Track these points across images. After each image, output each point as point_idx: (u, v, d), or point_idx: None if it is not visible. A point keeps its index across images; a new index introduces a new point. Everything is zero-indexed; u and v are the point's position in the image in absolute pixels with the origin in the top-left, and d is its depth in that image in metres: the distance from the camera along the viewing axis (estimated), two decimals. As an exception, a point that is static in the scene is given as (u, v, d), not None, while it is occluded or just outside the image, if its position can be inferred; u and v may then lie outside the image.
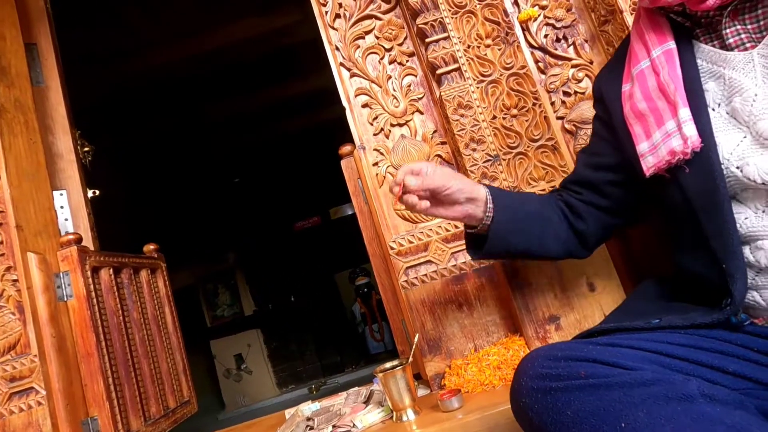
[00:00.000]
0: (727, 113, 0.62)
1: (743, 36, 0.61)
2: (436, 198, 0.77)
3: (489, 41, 1.09)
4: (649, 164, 0.66)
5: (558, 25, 1.12)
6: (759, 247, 0.59)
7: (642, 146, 0.67)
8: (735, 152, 0.60)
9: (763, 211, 0.59)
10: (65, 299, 1.22)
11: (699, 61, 0.64)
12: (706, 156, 0.60)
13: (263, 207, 4.97)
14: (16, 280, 1.13)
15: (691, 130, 0.61)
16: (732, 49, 0.62)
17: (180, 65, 3.04)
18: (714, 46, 0.64)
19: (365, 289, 5.05)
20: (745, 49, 0.61)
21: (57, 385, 1.11)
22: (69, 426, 1.10)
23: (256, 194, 4.95)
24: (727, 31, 0.62)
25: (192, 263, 4.72)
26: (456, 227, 1.10)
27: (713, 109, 0.63)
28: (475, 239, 0.83)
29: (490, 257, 0.85)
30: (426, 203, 0.76)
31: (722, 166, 0.60)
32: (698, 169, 0.61)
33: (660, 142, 0.64)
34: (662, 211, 0.72)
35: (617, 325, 0.64)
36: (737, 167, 0.59)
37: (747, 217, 0.60)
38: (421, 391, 1.07)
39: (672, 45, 0.65)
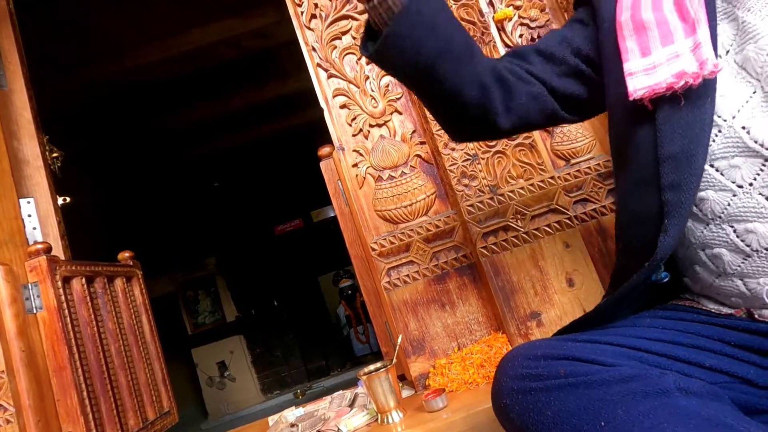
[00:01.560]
0: (737, 62, 0.54)
1: None
2: None
3: (465, 41, 1.09)
4: (639, 85, 0.55)
5: (533, 24, 1.14)
6: (750, 230, 0.52)
7: (633, 63, 0.56)
8: (743, 110, 0.52)
9: (751, 185, 0.52)
10: (35, 311, 1.17)
11: None
12: (702, 98, 0.53)
13: (244, 211, 4.90)
14: (-20, 293, 1.08)
15: (709, 52, 0.51)
16: None
17: (155, 68, 2.96)
18: None
19: (349, 291, 5.03)
20: None
21: (27, 402, 1.06)
22: (41, 443, 1.06)
23: (236, 198, 4.87)
24: None
25: (171, 270, 4.62)
26: (437, 227, 1.10)
27: (720, 57, 0.54)
28: (373, 33, 0.62)
29: (383, 61, 0.62)
30: None
31: (723, 121, 0.52)
32: (688, 110, 0.53)
33: (663, 62, 0.54)
34: (614, 137, 0.63)
35: (594, 321, 0.64)
36: (743, 127, 0.51)
37: (735, 195, 0.53)
38: (406, 392, 1.06)
39: None
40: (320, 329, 4.89)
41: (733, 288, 0.57)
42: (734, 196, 0.53)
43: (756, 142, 0.51)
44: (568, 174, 1.08)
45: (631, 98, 0.56)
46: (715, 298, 0.61)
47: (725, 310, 0.60)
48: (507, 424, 0.56)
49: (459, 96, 0.63)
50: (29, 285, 1.18)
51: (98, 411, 1.22)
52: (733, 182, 0.53)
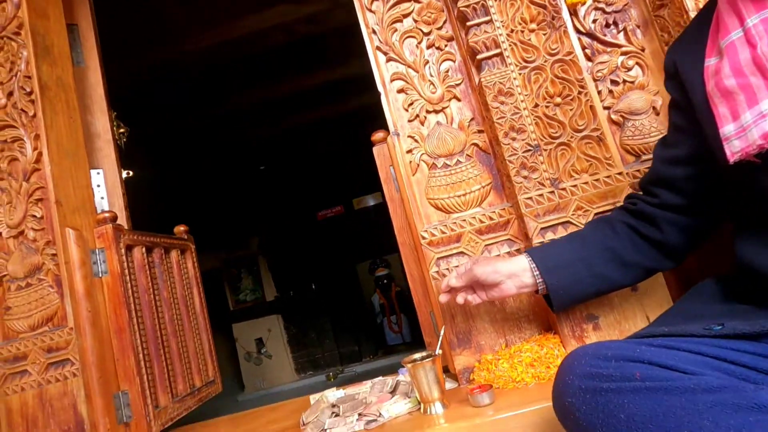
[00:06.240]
0: None
1: None
2: (481, 286, 0.87)
3: (534, 26, 1.04)
4: (734, 149, 0.58)
5: (608, 9, 1.06)
6: None
7: (727, 129, 0.59)
8: None
9: None
10: (100, 275, 1.24)
11: None
12: None
13: (288, 195, 5.02)
14: (54, 255, 1.16)
15: None
16: None
17: (210, 52, 3.06)
18: None
19: (385, 281, 5.05)
20: None
21: (91, 358, 1.14)
22: (102, 398, 1.13)
23: (281, 182, 4.99)
24: None
25: (217, 247, 4.82)
26: (491, 219, 1.06)
27: None
28: (547, 296, 0.85)
29: (567, 308, 0.89)
30: (476, 297, 0.89)
31: None
32: None
33: (751, 123, 0.56)
34: (740, 202, 0.66)
35: (671, 329, 0.59)
36: None
37: None
38: (449, 385, 1.05)
39: None
40: (355, 315, 4.95)
41: None
42: None
43: None
44: (638, 171, 1.01)
45: (730, 162, 0.59)
46: None
47: None
48: (570, 423, 0.54)
49: (623, 285, 0.84)
50: (96, 250, 1.26)
51: (152, 373, 1.30)
52: None
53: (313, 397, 1.13)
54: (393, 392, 1.03)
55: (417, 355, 0.95)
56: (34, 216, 1.18)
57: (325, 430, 0.94)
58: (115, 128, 1.67)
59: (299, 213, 5.05)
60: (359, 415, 0.95)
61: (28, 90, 1.21)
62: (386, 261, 4.97)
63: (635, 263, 0.80)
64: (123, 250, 1.29)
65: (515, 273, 0.83)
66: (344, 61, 3.55)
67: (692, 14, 0.91)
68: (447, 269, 1.06)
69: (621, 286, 0.85)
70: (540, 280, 0.82)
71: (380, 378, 1.14)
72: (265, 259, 5.00)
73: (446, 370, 1.11)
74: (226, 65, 3.30)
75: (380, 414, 0.93)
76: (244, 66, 3.36)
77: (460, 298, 0.89)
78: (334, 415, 0.99)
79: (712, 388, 0.45)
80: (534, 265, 0.82)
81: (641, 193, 0.83)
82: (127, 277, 1.28)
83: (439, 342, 0.96)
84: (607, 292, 0.86)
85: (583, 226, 0.97)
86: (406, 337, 4.90)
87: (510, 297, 0.89)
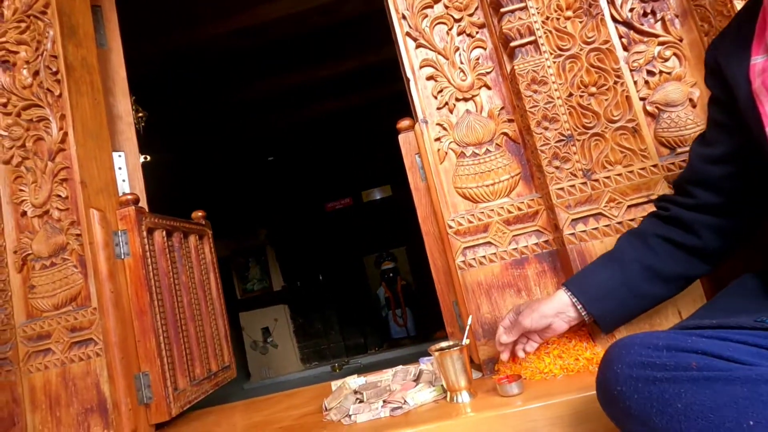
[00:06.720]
0: None
1: None
2: (533, 331, 0.88)
3: (570, 13, 1.02)
4: None
5: (646, -3, 1.04)
6: None
7: None
8: None
9: None
10: (122, 257, 1.25)
11: None
12: None
13: (297, 186, 5.01)
14: (79, 235, 1.16)
15: None
16: None
17: (222, 41, 3.05)
18: None
19: (391, 274, 5.05)
20: None
21: (114, 339, 1.14)
22: (123, 378, 1.14)
23: (290, 173, 4.98)
24: None
25: (225, 236, 4.83)
26: (519, 209, 1.05)
27: None
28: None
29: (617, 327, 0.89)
30: (532, 344, 0.91)
31: None
32: None
33: None
34: None
35: (720, 321, 0.58)
36: None
37: None
38: (473, 374, 1.04)
39: None
40: (361, 308, 4.97)
41: None
42: None
43: None
44: (672, 163, 0.99)
45: None
46: None
47: None
48: (619, 413, 0.53)
49: (666, 298, 0.85)
50: (118, 232, 1.26)
51: (171, 356, 1.30)
52: None
53: (335, 384, 1.13)
54: (416, 380, 1.03)
55: (443, 344, 0.95)
56: (59, 196, 1.18)
57: (350, 415, 0.94)
58: (134, 112, 1.66)
59: (308, 204, 5.05)
60: (384, 402, 0.95)
61: (54, 70, 1.21)
62: (392, 254, 4.97)
63: (677, 276, 0.81)
64: (145, 233, 1.29)
65: (560, 310, 0.85)
66: (356, 53, 3.53)
67: (737, 4, 0.89)
68: (473, 259, 1.05)
69: (666, 298, 0.85)
70: (584, 312, 0.83)
71: (401, 366, 1.14)
72: (273, 249, 5.01)
73: (471, 360, 1.10)
74: (238, 55, 3.28)
75: (405, 401, 0.93)
76: (256, 56, 3.34)
77: (521, 353, 0.92)
78: (358, 401, 0.99)
79: (776, 378, 0.44)
80: (575, 299, 0.83)
81: (675, 194, 0.82)
82: (149, 260, 1.28)
83: (466, 331, 0.95)
84: (654, 306, 0.87)
85: (615, 218, 0.96)
86: (411, 331, 4.91)
87: (558, 334, 0.90)
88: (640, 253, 0.80)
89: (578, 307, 0.83)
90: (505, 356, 0.92)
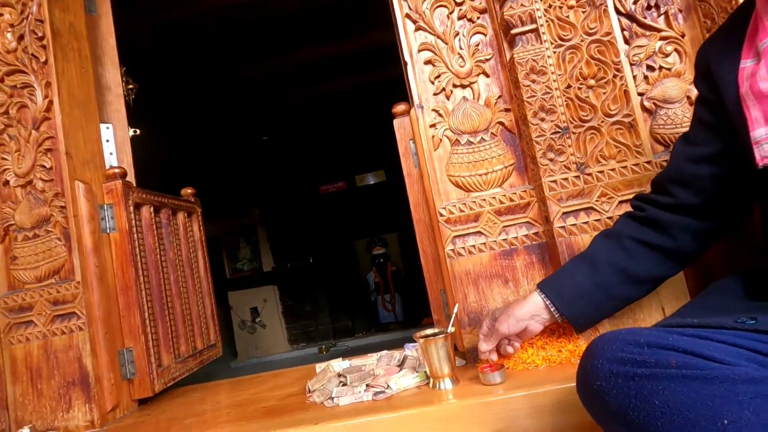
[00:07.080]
0: None
1: None
2: (511, 336, 0.90)
3: (573, 2, 1.00)
4: (764, 153, 0.59)
5: (651, -11, 1.02)
6: None
7: (758, 132, 0.59)
8: None
9: None
10: (108, 231, 1.23)
11: None
12: None
13: (291, 167, 4.96)
14: (63, 207, 1.14)
15: None
16: None
17: (220, 14, 2.96)
18: None
19: (381, 260, 5.06)
20: None
21: (98, 313, 1.13)
22: (107, 353, 1.13)
23: (284, 154, 4.93)
24: None
25: (216, 215, 4.79)
26: (511, 200, 1.05)
27: None
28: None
29: (589, 328, 0.90)
30: (514, 344, 0.92)
31: None
32: None
33: None
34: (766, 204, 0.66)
35: (701, 320, 0.59)
36: None
37: None
38: (457, 362, 1.05)
39: None
40: (350, 291, 4.98)
41: None
42: None
43: None
44: (665, 161, 0.98)
45: (759, 166, 0.59)
46: None
47: None
48: (597, 407, 0.53)
49: (639, 298, 0.87)
50: (104, 206, 1.23)
51: (156, 333, 1.29)
52: None
53: (319, 366, 1.14)
54: (400, 366, 1.03)
55: (429, 331, 0.95)
56: (43, 166, 1.15)
57: (333, 398, 0.94)
58: (123, 84, 1.62)
59: (301, 186, 5.01)
60: (367, 386, 0.95)
61: (40, 35, 1.16)
62: (384, 240, 4.97)
63: (650, 278, 0.82)
64: (131, 208, 1.27)
65: (535, 313, 0.86)
66: (357, 34, 3.45)
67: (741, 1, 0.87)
68: (463, 248, 1.05)
69: (638, 299, 0.88)
70: (557, 313, 0.85)
71: (386, 351, 1.14)
72: (264, 229, 4.98)
73: (455, 348, 1.11)
74: (237, 30, 3.20)
75: (388, 386, 0.94)
76: (254, 33, 3.25)
77: (506, 351, 0.93)
78: (341, 384, 0.99)
79: (753, 379, 0.44)
80: (549, 302, 0.85)
81: (652, 192, 0.82)
82: (135, 235, 1.26)
83: (452, 320, 0.95)
84: (626, 306, 0.88)
85: (606, 213, 0.96)
86: (399, 316, 4.95)
87: (534, 335, 0.91)
88: (615, 256, 0.81)
89: (552, 309, 0.85)
90: (494, 358, 0.93)
